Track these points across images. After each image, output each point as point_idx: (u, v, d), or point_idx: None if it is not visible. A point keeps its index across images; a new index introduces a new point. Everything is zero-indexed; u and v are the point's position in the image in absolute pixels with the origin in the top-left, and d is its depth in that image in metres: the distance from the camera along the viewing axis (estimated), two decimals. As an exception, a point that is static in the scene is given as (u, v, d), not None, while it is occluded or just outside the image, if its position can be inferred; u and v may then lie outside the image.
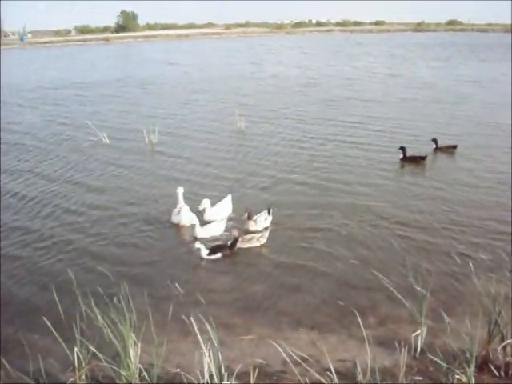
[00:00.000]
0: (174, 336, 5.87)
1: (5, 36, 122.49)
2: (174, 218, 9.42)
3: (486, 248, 8.07)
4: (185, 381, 5.12)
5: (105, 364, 4.88)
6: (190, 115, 20.49)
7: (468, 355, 4.95)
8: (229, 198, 9.78)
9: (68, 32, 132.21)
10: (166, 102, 24.06)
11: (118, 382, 4.85)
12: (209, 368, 4.74)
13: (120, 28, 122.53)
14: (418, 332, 5.53)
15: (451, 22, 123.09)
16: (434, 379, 5.12)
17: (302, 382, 4.88)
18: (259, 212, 9.12)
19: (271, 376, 5.22)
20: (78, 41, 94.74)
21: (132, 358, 4.85)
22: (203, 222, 9.02)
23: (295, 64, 40.65)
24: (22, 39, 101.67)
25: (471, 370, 4.78)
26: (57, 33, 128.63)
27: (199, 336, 4.83)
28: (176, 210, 9.42)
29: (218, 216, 9.27)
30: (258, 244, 8.34)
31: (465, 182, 11.37)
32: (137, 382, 4.85)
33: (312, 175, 12.04)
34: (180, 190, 9.57)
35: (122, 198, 10.90)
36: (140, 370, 4.92)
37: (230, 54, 55.16)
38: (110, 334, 4.83)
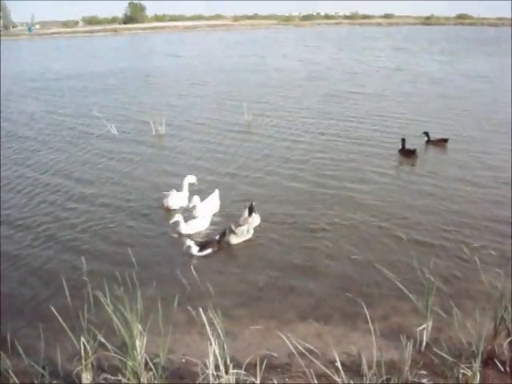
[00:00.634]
0: (179, 327, 5.89)
1: (13, 27, 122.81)
2: (165, 201, 9.71)
3: (493, 243, 8.02)
4: (190, 371, 5.17)
5: (111, 354, 4.91)
6: (194, 107, 20.44)
7: (474, 350, 4.95)
8: (216, 193, 9.69)
9: (76, 23, 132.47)
10: (169, 93, 24.07)
11: (124, 371, 4.88)
12: (214, 358, 4.75)
13: (128, 19, 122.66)
14: (424, 326, 5.53)
15: (461, 16, 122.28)
16: (439, 373, 5.12)
17: (308, 373, 4.90)
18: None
19: (277, 367, 5.24)
20: (86, 32, 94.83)
21: (138, 348, 4.87)
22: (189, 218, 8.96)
23: (299, 57, 40.39)
24: (30, 30, 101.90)
25: (477, 364, 4.77)
26: (65, 24, 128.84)
27: (207, 326, 4.85)
28: (168, 193, 9.70)
29: (207, 212, 9.22)
30: (249, 237, 8.32)
31: (461, 177, 11.30)
32: (143, 371, 4.88)
33: (309, 170, 11.97)
34: (189, 179, 9.75)
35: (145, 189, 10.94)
36: (146, 359, 4.94)
37: (235, 46, 55.03)
38: (117, 324, 4.85)
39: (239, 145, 14.37)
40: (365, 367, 4.87)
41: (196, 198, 9.20)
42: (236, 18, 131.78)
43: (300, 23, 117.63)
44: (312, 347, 5.37)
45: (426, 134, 14.00)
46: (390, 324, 6.00)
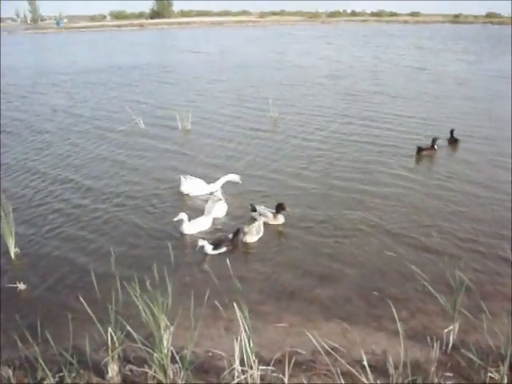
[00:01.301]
0: (204, 321, 5.91)
1: (41, 20, 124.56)
2: (182, 188, 10.19)
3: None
4: (215, 365, 5.21)
5: (138, 345, 4.97)
6: (216, 103, 20.47)
7: (502, 352, 4.89)
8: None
9: (103, 17, 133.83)
10: (191, 89, 24.18)
11: (150, 363, 4.93)
12: (240, 353, 4.77)
13: (155, 14, 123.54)
14: (451, 327, 5.47)
15: (490, 15, 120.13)
16: (465, 376, 5.06)
17: (334, 371, 4.89)
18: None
19: (302, 365, 5.24)
20: (113, 26, 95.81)
21: (165, 341, 4.92)
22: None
23: (321, 55, 40.04)
24: (58, 24, 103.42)
25: (504, 367, 4.71)
26: (92, 18, 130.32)
27: (239, 319, 4.85)
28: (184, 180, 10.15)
29: (220, 212, 9.17)
30: (260, 235, 8.29)
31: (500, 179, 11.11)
32: (169, 363, 4.92)
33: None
34: (231, 177, 10.03)
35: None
36: (172, 352, 4.98)
37: (259, 42, 55.05)
38: (145, 317, 4.91)
39: (264, 144, 14.15)
40: (390, 367, 4.83)
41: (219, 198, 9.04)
42: (262, 15, 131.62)
43: (326, 20, 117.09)
44: (337, 345, 5.36)
45: (451, 132, 13.95)
46: (416, 324, 5.94)
